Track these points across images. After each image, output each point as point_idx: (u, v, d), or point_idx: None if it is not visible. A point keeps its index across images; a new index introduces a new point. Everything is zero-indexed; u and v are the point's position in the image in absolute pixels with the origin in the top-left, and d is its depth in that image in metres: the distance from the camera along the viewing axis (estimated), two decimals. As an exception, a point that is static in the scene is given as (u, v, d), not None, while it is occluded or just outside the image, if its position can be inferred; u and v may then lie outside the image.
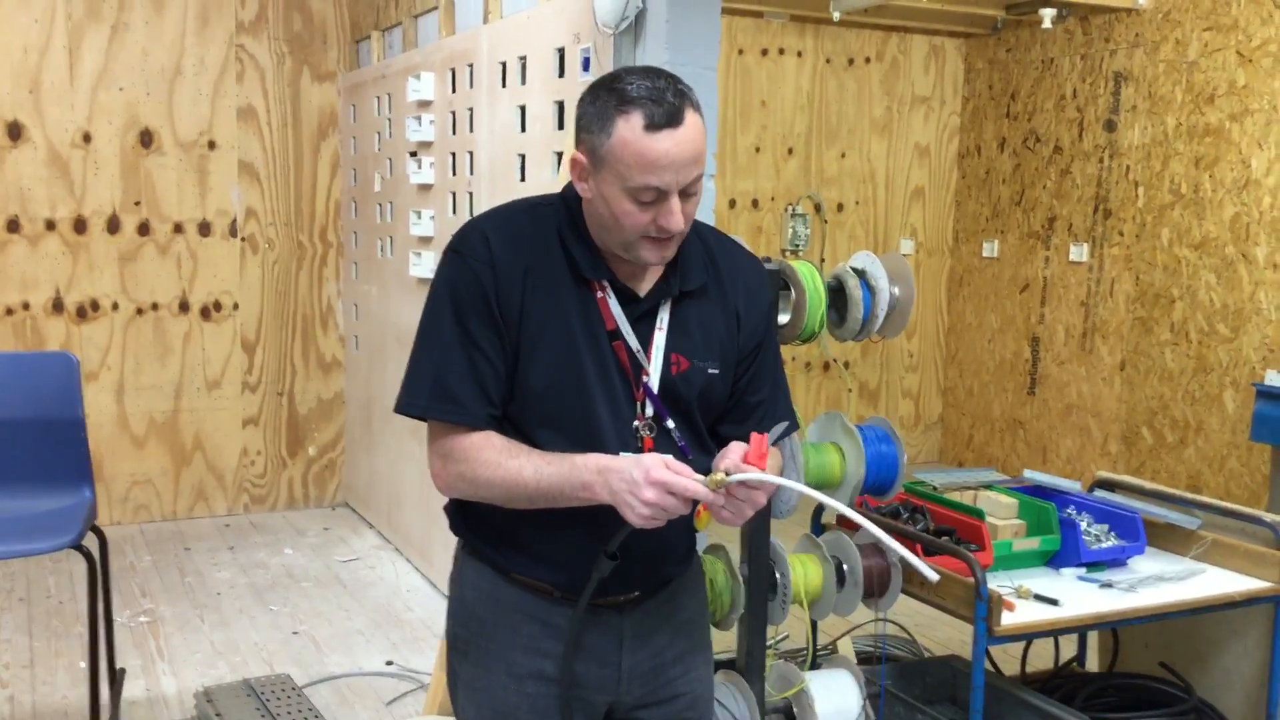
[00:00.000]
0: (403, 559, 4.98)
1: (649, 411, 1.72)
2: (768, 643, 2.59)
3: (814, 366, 6.60)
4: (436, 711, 3.13)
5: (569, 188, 1.74)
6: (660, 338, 1.73)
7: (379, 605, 4.43)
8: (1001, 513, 2.89)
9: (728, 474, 1.54)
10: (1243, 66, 4.98)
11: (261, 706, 3.37)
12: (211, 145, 5.37)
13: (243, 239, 5.48)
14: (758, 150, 6.38)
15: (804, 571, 2.59)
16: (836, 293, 2.64)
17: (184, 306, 5.40)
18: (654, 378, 1.71)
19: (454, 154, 4.39)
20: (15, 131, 5.00)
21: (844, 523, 2.87)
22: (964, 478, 3.15)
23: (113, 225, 5.21)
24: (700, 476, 1.55)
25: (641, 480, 1.53)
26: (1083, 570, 2.78)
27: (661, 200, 1.61)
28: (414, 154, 4.70)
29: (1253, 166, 4.94)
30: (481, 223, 1.74)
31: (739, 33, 6.22)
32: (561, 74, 3.54)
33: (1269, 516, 2.89)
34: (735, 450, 1.57)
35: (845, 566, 2.62)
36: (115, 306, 5.25)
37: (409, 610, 4.39)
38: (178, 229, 5.34)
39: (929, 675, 3.12)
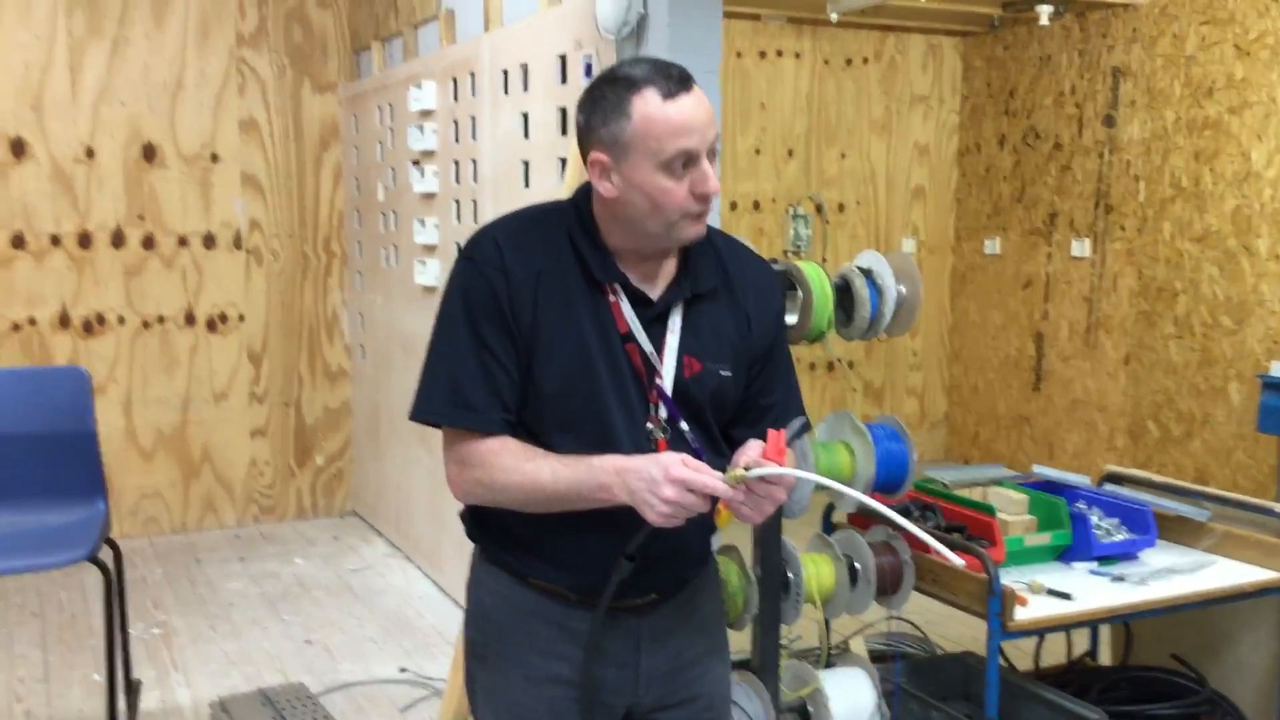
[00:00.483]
0: (413, 566, 5.00)
1: (662, 414, 1.72)
2: (781, 642, 2.60)
3: (818, 366, 6.60)
4: (451, 718, 3.14)
5: (579, 192, 1.76)
6: (673, 340, 1.73)
7: (390, 612, 4.45)
8: (1012, 509, 2.88)
9: (747, 469, 1.54)
10: (1240, 59, 4.99)
11: (277, 715, 3.39)
12: (214, 158, 5.38)
13: (247, 251, 5.50)
14: (758, 152, 6.39)
15: (816, 570, 2.59)
16: (843, 292, 2.64)
17: (190, 319, 5.41)
18: (667, 380, 1.72)
19: (457, 162, 4.41)
20: (19, 148, 5.01)
21: (856, 521, 2.88)
22: (973, 474, 3.14)
23: (117, 239, 5.22)
24: (719, 473, 1.55)
25: (661, 478, 1.54)
26: (1094, 564, 2.78)
27: (693, 164, 1.63)
28: (416, 163, 4.71)
29: (1253, 159, 4.95)
30: (493, 229, 1.75)
31: (737, 35, 6.23)
32: (564, 80, 3.56)
33: (1279, 507, 2.90)
34: (753, 447, 1.58)
35: (857, 565, 2.62)
36: (121, 320, 5.27)
37: (420, 617, 4.40)
38: (182, 242, 5.35)
39: (942, 672, 3.12)
